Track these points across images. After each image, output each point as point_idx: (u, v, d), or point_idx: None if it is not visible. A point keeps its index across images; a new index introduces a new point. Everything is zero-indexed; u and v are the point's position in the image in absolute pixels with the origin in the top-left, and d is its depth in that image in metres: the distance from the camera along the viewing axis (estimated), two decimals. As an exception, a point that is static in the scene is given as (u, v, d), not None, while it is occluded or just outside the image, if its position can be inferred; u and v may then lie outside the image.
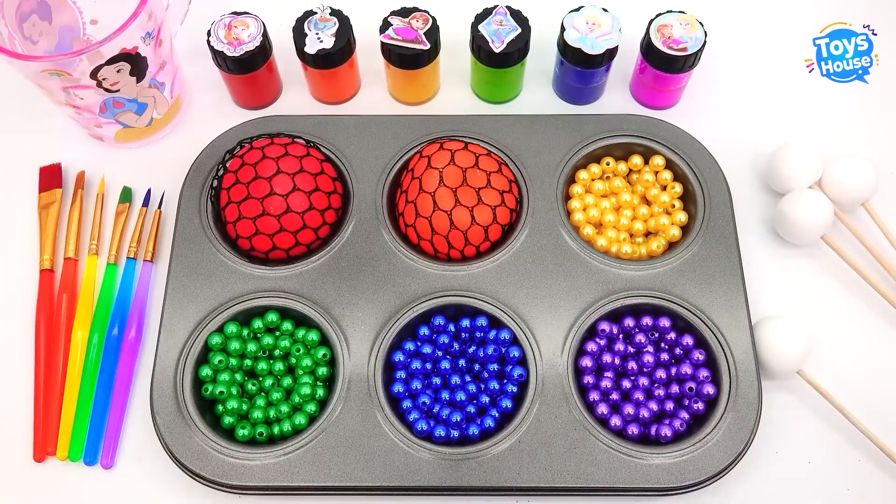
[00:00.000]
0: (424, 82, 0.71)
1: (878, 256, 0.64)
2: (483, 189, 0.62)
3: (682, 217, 0.65)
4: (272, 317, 0.61)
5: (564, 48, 0.66)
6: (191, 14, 0.69)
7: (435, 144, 0.65)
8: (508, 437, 0.57)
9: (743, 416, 0.57)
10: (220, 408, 0.59)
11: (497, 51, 0.65)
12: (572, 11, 0.67)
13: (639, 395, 0.59)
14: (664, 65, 0.67)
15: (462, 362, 0.61)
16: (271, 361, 0.61)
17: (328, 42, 0.66)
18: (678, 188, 0.66)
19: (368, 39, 0.68)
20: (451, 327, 0.61)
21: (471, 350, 0.61)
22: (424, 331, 0.61)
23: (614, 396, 0.59)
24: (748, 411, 0.57)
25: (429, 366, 0.60)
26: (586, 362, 0.60)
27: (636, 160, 0.67)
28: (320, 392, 0.60)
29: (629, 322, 0.61)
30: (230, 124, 0.68)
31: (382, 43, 0.66)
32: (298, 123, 0.68)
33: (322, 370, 0.60)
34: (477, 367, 0.61)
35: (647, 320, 0.61)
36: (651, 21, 0.67)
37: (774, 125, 0.72)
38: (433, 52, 0.67)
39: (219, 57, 0.66)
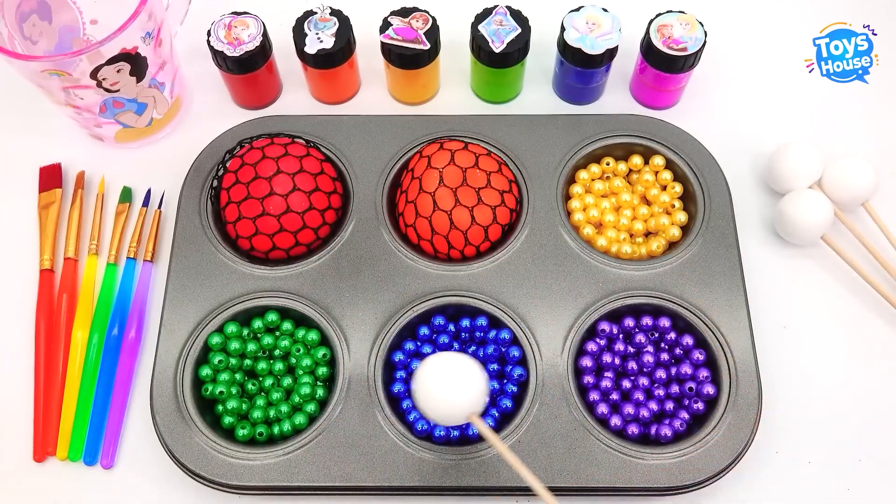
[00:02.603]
0: (424, 82, 0.71)
1: (878, 256, 0.64)
2: (483, 189, 0.62)
3: (682, 217, 0.65)
4: (272, 317, 0.61)
5: (564, 48, 0.66)
6: (191, 14, 0.69)
7: (435, 144, 0.65)
8: (508, 437, 0.57)
9: (743, 416, 0.57)
10: (220, 408, 0.59)
11: (497, 51, 0.65)
12: (572, 11, 0.67)
13: (639, 395, 0.59)
14: (664, 65, 0.67)
15: (462, 362, 0.61)
16: (271, 361, 0.61)
17: (328, 42, 0.66)
18: (678, 188, 0.66)
19: (368, 39, 0.68)
20: (451, 327, 0.61)
21: (471, 350, 0.61)
22: (424, 331, 0.61)
23: (614, 396, 0.59)
24: (748, 411, 0.57)
25: (429, 366, 0.60)
26: (586, 362, 0.60)
27: (636, 160, 0.67)
28: (320, 392, 0.60)
29: (629, 322, 0.61)
30: (230, 124, 0.68)
31: (382, 43, 0.66)
32: (298, 123, 0.68)
33: (322, 370, 0.60)
34: (477, 367, 0.61)
35: (647, 320, 0.61)
36: (651, 21, 0.67)
37: (774, 125, 0.72)
38: (433, 52, 0.67)
39: (219, 57, 0.66)
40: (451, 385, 0.49)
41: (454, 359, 0.50)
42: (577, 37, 0.65)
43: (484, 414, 0.59)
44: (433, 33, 0.66)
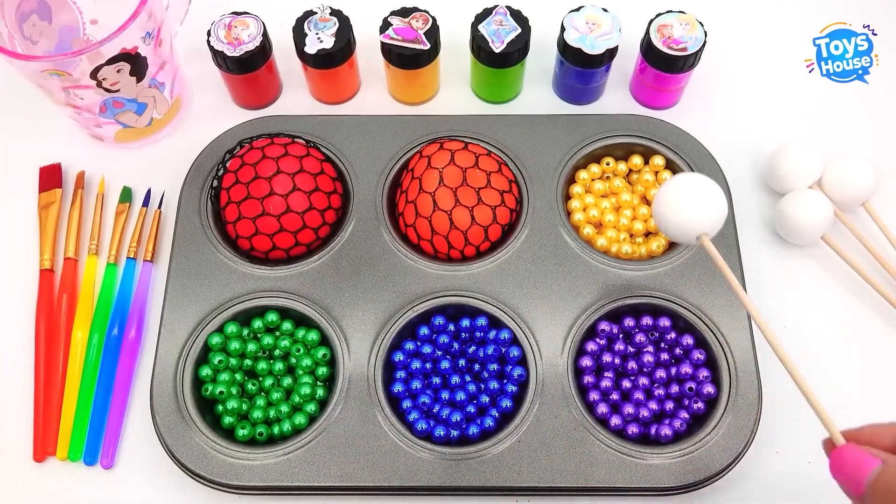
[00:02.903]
0: (424, 82, 0.71)
1: (878, 256, 0.64)
2: (483, 189, 0.62)
3: (682, 217, 0.65)
4: (272, 317, 0.61)
5: (564, 48, 0.66)
6: (191, 14, 0.69)
7: (435, 144, 0.65)
8: (508, 437, 0.57)
9: (743, 416, 0.57)
10: (220, 408, 0.59)
11: (497, 51, 0.65)
12: (572, 11, 0.67)
13: (639, 395, 0.59)
14: (664, 65, 0.67)
15: (462, 362, 0.61)
16: (271, 361, 0.61)
17: (328, 42, 0.66)
18: (678, 188, 0.66)
19: (368, 39, 0.68)
20: (451, 327, 0.61)
21: (471, 350, 0.61)
22: (424, 331, 0.61)
23: (614, 396, 0.59)
24: (748, 411, 0.57)
25: (429, 366, 0.60)
26: (586, 362, 0.60)
27: (636, 160, 0.67)
28: (320, 392, 0.60)
29: (629, 322, 0.61)
30: (230, 124, 0.68)
31: (382, 43, 0.66)
32: (298, 123, 0.68)
33: (322, 370, 0.60)
34: (477, 366, 0.61)
35: (647, 320, 0.61)
36: (651, 21, 0.67)
37: (774, 125, 0.72)
38: (433, 52, 0.67)
39: (219, 57, 0.66)
40: (692, 202, 0.49)
41: (702, 180, 0.51)
42: (577, 37, 0.65)
43: (484, 413, 0.59)
44: (433, 33, 0.66)
